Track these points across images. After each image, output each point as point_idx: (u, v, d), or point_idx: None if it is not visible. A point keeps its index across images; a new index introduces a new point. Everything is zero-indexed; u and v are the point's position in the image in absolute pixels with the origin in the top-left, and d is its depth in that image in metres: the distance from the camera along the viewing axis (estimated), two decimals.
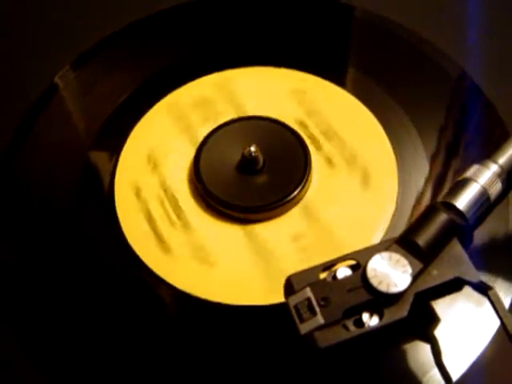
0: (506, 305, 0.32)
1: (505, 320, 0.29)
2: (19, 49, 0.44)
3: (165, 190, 0.37)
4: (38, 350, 0.33)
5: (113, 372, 0.32)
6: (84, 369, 0.32)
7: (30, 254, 0.36)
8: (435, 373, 0.31)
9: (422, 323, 0.32)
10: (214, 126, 0.39)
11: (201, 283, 0.34)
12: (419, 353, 0.32)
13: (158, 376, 0.32)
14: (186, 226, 0.36)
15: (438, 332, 0.32)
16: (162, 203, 0.37)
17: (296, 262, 0.34)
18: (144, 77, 0.42)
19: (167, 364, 0.32)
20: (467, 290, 0.31)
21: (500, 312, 0.29)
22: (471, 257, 0.31)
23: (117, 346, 0.33)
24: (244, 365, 0.32)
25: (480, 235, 0.35)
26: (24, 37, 0.45)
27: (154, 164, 0.38)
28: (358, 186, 0.37)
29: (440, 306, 0.32)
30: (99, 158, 0.39)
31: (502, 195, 0.35)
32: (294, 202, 0.36)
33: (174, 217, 0.36)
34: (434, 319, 0.32)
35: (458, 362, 0.31)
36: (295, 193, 0.36)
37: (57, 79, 0.42)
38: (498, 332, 0.32)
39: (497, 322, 0.31)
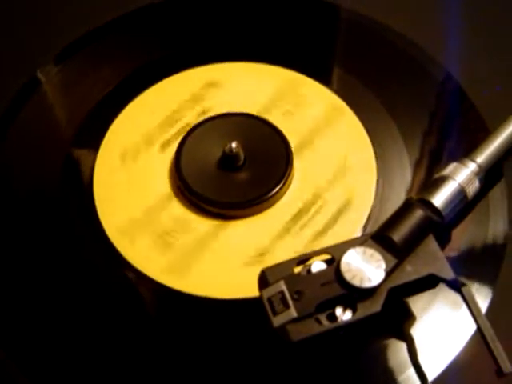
0: (483, 310, 0.32)
1: (477, 317, 0.29)
2: (2, 41, 0.44)
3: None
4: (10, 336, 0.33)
5: (92, 360, 0.32)
6: (59, 357, 0.32)
7: (10, 242, 0.36)
8: (412, 372, 0.31)
9: (399, 322, 0.32)
10: (197, 120, 0.39)
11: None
12: (396, 352, 0.32)
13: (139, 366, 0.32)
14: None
15: (415, 331, 0.32)
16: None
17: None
18: (126, 72, 0.42)
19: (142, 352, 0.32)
20: (445, 289, 0.31)
21: (473, 309, 0.29)
22: (450, 262, 0.31)
23: (92, 332, 0.33)
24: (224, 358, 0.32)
25: (459, 239, 0.35)
26: (10, 30, 0.45)
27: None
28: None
29: (418, 305, 0.32)
30: (79, 152, 0.39)
31: (480, 194, 0.35)
32: (275, 198, 0.36)
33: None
34: (410, 318, 0.32)
35: (435, 362, 0.31)
36: (276, 189, 0.36)
37: (39, 73, 0.42)
38: (476, 333, 0.31)
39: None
